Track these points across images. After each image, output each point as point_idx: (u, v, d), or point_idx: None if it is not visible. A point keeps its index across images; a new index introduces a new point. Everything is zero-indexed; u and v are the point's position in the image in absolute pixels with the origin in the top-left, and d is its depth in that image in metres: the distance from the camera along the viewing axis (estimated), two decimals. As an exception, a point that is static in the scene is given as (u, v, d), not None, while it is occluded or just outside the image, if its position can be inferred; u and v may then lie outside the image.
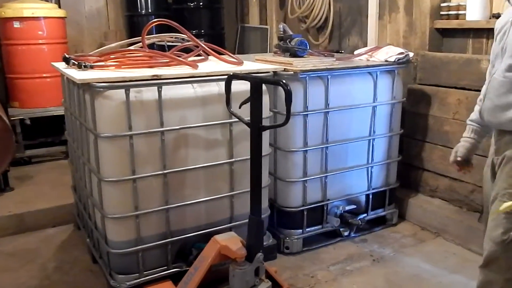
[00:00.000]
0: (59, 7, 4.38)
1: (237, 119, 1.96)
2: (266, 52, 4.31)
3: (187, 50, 2.65)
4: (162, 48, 3.37)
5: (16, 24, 3.83)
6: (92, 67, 2.21)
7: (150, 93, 2.04)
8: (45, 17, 3.91)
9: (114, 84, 1.97)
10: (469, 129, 1.89)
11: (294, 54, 2.67)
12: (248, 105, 1.86)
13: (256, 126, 1.84)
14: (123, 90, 1.97)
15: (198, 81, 2.15)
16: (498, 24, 1.67)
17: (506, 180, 1.57)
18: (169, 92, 2.07)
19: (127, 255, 2.08)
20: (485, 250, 1.64)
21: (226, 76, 1.94)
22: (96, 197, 2.13)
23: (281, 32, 2.82)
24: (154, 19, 4.28)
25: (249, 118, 1.86)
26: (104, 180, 2.03)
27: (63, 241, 2.81)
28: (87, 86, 2.02)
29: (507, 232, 1.56)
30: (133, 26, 4.60)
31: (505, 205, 1.52)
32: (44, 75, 3.89)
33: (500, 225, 1.58)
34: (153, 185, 2.09)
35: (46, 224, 2.96)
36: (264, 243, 2.36)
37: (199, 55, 2.63)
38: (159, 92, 2.03)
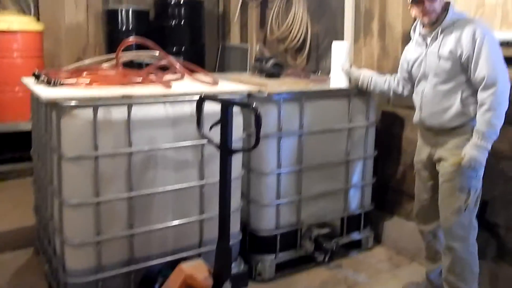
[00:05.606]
0: (38, 19, 4.32)
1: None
2: (246, 71, 4.31)
3: (167, 69, 2.61)
4: (140, 65, 3.33)
5: (-9, 36, 3.74)
6: (61, 84, 2.15)
7: (119, 113, 1.99)
8: (21, 31, 3.83)
9: (81, 103, 1.92)
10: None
11: (269, 75, 2.66)
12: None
13: (225, 149, 1.80)
14: (91, 109, 1.91)
15: (170, 101, 2.11)
16: (410, 56, 2.27)
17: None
18: (139, 111, 2.03)
19: (85, 285, 1.98)
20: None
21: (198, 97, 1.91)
22: (57, 221, 2.04)
23: (258, 53, 2.82)
24: (135, 35, 4.30)
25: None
26: (65, 203, 1.94)
27: (20, 267, 2.65)
28: (53, 104, 1.96)
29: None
30: (113, 41, 4.54)
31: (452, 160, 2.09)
32: (16, 89, 3.79)
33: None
34: (117, 209, 2.02)
35: (3, 248, 2.79)
36: (235, 270, 2.31)
37: (176, 74, 2.59)
38: (129, 111, 1.98)
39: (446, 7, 2.12)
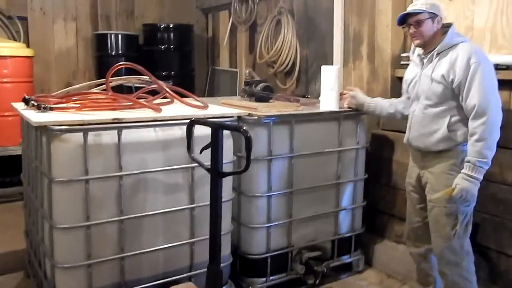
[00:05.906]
0: (28, 45, 4.35)
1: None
2: (236, 95, 4.36)
3: (157, 92, 2.63)
4: (130, 89, 3.36)
5: (-19, 62, 3.76)
6: (51, 109, 2.16)
7: (109, 136, 2.00)
8: (11, 56, 3.86)
9: (72, 127, 1.92)
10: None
11: (259, 99, 2.70)
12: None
13: (215, 172, 1.81)
14: (81, 133, 1.92)
15: (160, 125, 2.12)
16: (408, 76, 2.31)
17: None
18: (130, 135, 2.04)
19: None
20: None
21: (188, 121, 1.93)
22: (47, 245, 2.02)
23: (247, 77, 2.87)
24: (124, 60, 4.34)
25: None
26: (56, 227, 1.92)
27: (10, 291, 2.61)
28: (44, 129, 1.96)
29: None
30: (103, 66, 4.58)
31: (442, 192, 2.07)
32: (6, 113, 3.78)
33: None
34: (108, 232, 2.00)
35: (-7, 272, 2.76)
36: (226, 293, 2.28)
37: (166, 97, 2.62)
38: (119, 135, 1.99)
39: (446, 30, 2.10)
